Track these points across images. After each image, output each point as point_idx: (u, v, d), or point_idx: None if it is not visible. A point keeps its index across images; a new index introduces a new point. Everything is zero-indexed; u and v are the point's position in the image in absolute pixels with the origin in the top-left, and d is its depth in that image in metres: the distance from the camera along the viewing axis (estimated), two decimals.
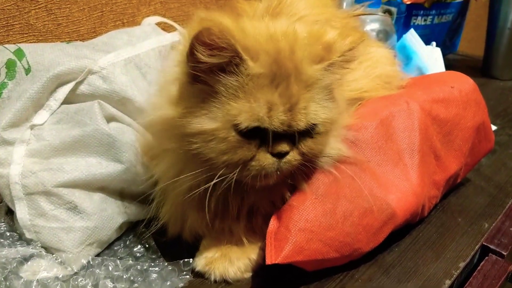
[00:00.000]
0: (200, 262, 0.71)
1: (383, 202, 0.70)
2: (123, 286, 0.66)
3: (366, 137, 0.75)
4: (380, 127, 0.76)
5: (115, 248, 0.75)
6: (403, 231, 0.79)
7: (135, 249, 0.74)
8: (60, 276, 0.66)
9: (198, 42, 0.56)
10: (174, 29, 0.98)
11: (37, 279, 0.64)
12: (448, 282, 0.70)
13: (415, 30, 1.40)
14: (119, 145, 0.73)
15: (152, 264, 0.70)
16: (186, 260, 0.69)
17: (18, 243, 0.70)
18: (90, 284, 0.65)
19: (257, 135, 0.60)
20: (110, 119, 0.75)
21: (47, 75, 0.72)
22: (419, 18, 1.46)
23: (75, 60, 0.75)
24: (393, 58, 0.97)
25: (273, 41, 0.61)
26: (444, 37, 1.58)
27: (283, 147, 0.61)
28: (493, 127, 1.16)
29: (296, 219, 0.66)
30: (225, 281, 0.69)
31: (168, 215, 0.71)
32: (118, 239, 0.77)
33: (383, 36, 1.26)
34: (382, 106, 0.80)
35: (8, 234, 0.71)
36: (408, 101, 0.80)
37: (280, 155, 0.61)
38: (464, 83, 0.86)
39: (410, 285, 0.70)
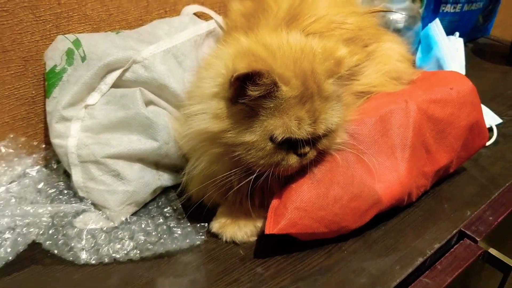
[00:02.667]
0: (215, 225, 0.86)
1: (371, 189, 0.82)
2: (152, 239, 0.81)
3: (364, 132, 0.86)
4: (379, 123, 0.87)
5: (150, 207, 0.91)
6: (392, 212, 0.90)
7: (165, 210, 0.90)
8: (105, 228, 0.82)
9: (249, 81, 0.69)
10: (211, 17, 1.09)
11: (87, 229, 0.81)
12: (420, 259, 0.82)
13: (444, 17, 1.45)
14: (155, 126, 0.87)
15: (177, 224, 0.85)
16: (202, 224, 0.84)
17: (73, 200, 0.87)
18: (127, 237, 0.81)
19: (286, 142, 0.74)
20: (148, 103, 0.89)
21: (99, 63, 0.86)
22: (449, 5, 1.49)
23: (122, 51, 0.88)
24: (406, 53, 1.05)
25: (297, 64, 0.73)
26: (474, 24, 1.61)
27: (306, 149, 0.75)
28: (500, 120, 1.22)
29: (293, 199, 0.79)
30: (234, 242, 0.84)
31: (193, 187, 0.86)
32: (152, 200, 0.92)
33: (409, 24, 1.32)
34: (384, 103, 0.90)
35: (65, 191, 0.89)
36: (408, 100, 0.89)
37: (302, 155, 0.76)
38: (463, 85, 0.94)
39: (387, 259, 0.82)
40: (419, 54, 1.40)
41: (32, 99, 0.95)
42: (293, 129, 0.72)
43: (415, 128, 0.87)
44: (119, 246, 0.80)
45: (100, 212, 0.86)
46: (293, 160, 0.75)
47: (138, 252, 0.79)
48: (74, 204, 0.84)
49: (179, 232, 0.83)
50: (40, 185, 0.90)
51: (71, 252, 0.79)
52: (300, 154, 0.76)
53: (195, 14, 1.09)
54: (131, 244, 0.80)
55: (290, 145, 0.74)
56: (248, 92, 0.70)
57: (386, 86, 0.97)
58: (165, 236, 0.82)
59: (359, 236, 0.87)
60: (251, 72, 0.67)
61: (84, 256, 0.78)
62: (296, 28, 0.87)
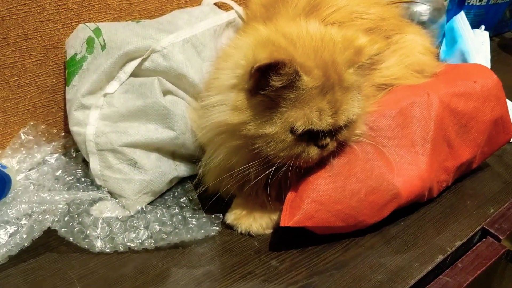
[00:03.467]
0: (230, 217, 0.85)
1: (390, 183, 0.80)
2: (167, 229, 0.81)
3: (384, 124, 0.84)
4: (399, 116, 0.84)
5: (166, 197, 0.90)
6: (411, 208, 0.88)
7: (181, 200, 0.89)
8: (120, 217, 0.82)
9: (272, 72, 0.67)
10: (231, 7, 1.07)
11: (103, 217, 0.81)
12: (441, 257, 0.79)
13: (469, 10, 1.41)
14: (172, 116, 0.86)
15: (192, 214, 0.84)
16: (217, 215, 0.83)
17: (90, 188, 0.87)
18: (142, 226, 0.81)
19: (306, 134, 0.72)
20: (166, 92, 0.88)
21: (118, 52, 0.85)
22: None
23: (142, 40, 0.87)
24: (430, 46, 1.02)
25: (318, 53, 0.72)
26: (500, 18, 1.56)
27: (326, 141, 0.74)
28: None
29: (310, 191, 0.77)
30: (249, 234, 0.83)
31: (209, 179, 0.85)
32: (168, 190, 0.92)
33: (433, 16, 1.28)
34: (405, 95, 0.87)
35: (83, 179, 0.89)
36: (430, 92, 0.86)
37: (323, 147, 0.74)
38: (488, 78, 0.91)
39: (406, 256, 0.80)
40: (443, 47, 1.36)
41: (52, 87, 0.95)
42: (314, 121, 0.70)
43: (436, 121, 0.84)
44: (134, 235, 0.79)
45: (117, 200, 0.85)
46: (313, 151, 0.74)
47: (153, 241, 0.79)
48: (91, 192, 0.84)
49: (194, 222, 0.82)
50: (58, 173, 0.90)
51: (86, 240, 0.78)
52: (321, 146, 0.74)
53: (215, 4, 1.07)
54: (146, 233, 0.80)
55: (310, 136, 0.73)
56: (270, 83, 0.68)
57: (408, 78, 0.94)
58: (180, 226, 0.82)
59: (377, 231, 0.85)
60: (273, 63, 0.65)
61: (99, 244, 0.78)
62: (316, 18, 0.85)
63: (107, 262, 0.77)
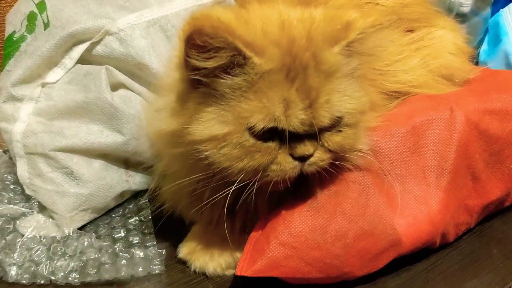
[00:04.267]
0: (183, 250, 0.67)
1: (389, 226, 0.60)
2: (102, 260, 0.64)
3: (390, 146, 0.64)
4: (409, 136, 0.65)
5: (113, 215, 0.74)
6: (420, 254, 0.68)
7: (130, 220, 0.73)
8: (44, 239, 0.66)
9: (189, 46, 0.50)
10: None
11: (23, 239, 0.65)
12: None
13: None
14: (121, 116, 0.69)
15: (139, 241, 0.68)
16: (160, 251, 0.66)
17: (17, 198, 0.71)
18: (68, 254, 0.64)
19: (276, 135, 0.53)
20: (118, 86, 0.71)
21: (62, 33, 0.69)
22: None
23: (93, 19, 0.70)
24: (463, 45, 0.81)
25: (285, 29, 0.54)
26: None
27: (306, 149, 0.54)
28: None
29: (280, 230, 0.58)
30: (204, 274, 0.65)
31: (165, 196, 0.68)
32: (119, 205, 0.76)
33: (477, 7, 1.06)
34: (420, 109, 0.67)
35: (12, 186, 0.73)
36: (454, 107, 0.66)
37: (303, 159, 0.54)
38: None
39: None
40: (484, 46, 1.13)
41: None
42: (277, 115, 0.51)
43: (459, 146, 0.64)
44: (58, 264, 0.63)
45: (46, 217, 0.69)
46: (287, 164, 0.54)
47: (78, 276, 0.62)
48: (12, 206, 0.68)
49: (138, 253, 0.65)
50: None
51: None
52: (299, 157, 0.54)
53: None
54: (72, 264, 0.63)
55: (282, 142, 0.53)
56: (193, 62, 0.51)
57: (432, 86, 0.74)
58: (118, 257, 0.65)
59: (370, 283, 0.65)
60: (192, 32, 0.48)
61: (13, 272, 0.62)
62: (316, 5, 0.66)
63: None
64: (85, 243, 0.65)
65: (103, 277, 0.62)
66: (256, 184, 0.54)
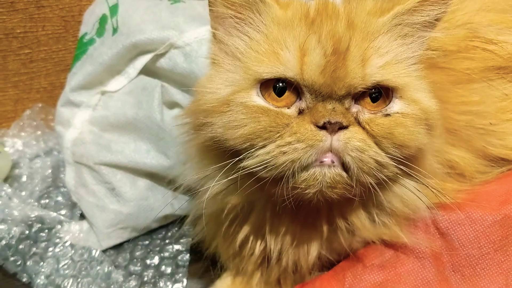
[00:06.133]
0: None
1: None
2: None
3: (469, 234, 0.50)
4: (497, 228, 0.49)
5: (154, 236, 0.69)
6: None
7: (168, 247, 0.67)
8: (75, 254, 0.63)
9: None
10: None
11: (53, 249, 0.63)
12: None
13: None
14: (168, 138, 0.63)
15: (169, 275, 0.63)
16: None
17: (63, 204, 0.70)
18: (95, 272, 0.61)
19: (294, 98, 0.42)
20: (173, 105, 0.64)
21: (125, 41, 0.64)
22: None
23: (159, 30, 0.64)
24: None
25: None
26: None
27: (332, 113, 0.39)
28: None
29: None
30: None
31: (201, 233, 0.61)
32: (163, 226, 0.70)
33: None
34: None
35: (62, 190, 0.72)
36: None
37: (331, 127, 0.39)
38: None
39: None
40: None
41: None
42: (288, 59, 0.40)
43: None
44: (83, 281, 0.60)
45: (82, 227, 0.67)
46: (306, 130, 0.39)
47: None
48: (52, 213, 0.66)
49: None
50: (48, 172, 0.74)
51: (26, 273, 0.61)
52: (324, 124, 0.39)
53: None
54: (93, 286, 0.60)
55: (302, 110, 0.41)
56: (220, 8, 0.44)
57: None
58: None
59: None
60: None
61: (41, 282, 0.60)
62: None
63: None
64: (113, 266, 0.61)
65: None
66: (273, 171, 0.40)
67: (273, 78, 0.41)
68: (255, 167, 0.41)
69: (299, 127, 0.40)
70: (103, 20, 0.68)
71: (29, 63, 0.76)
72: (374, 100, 0.42)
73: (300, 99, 0.41)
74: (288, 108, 0.41)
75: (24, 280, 0.61)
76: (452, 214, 0.50)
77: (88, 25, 0.70)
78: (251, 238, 0.52)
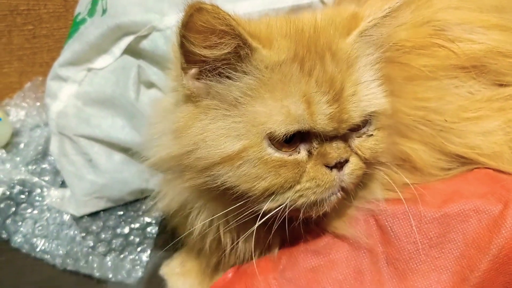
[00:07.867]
0: (163, 268, 0.63)
1: None
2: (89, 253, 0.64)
3: (404, 230, 0.50)
4: (436, 225, 0.50)
5: (129, 208, 0.72)
6: None
7: (141, 218, 0.70)
8: (53, 216, 0.67)
9: (188, 30, 0.41)
10: None
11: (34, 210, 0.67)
12: None
13: None
14: (140, 117, 0.65)
15: (135, 245, 0.66)
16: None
17: (49, 171, 0.74)
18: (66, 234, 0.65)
19: (300, 142, 0.44)
20: (149, 85, 0.67)
21: (110, 23, 0.66)
22: None
23: (143, 12, 0.66)
24: None
25: (291, 22, 0.46)
26: None
27: (342, 152, 0.44)
28: None
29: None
30: None
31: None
32: (136, 200, 0.73)
33: None
34: (467, 192, 0.51)
35: (49, 158, 0.76)
36: (509, 203, 0.48)
37: (340, 166, 0.44)
38: None
39: None
40: None
41: None
42: (299, 114, 0.41)
43: (498, 256, 0.46)
44: (53, 244, 0.64)
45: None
46: (323, 175, 0.43)
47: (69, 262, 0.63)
48: (36, 179, 0.70)
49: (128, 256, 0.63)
50: (43, 141, 0.78)
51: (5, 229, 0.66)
52: (337, 164, 0.43)
53: None
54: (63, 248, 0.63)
55: (310, 152, 0.44)
56: (191, 49, 0.42)
57: (508, 161, 0.54)
58: (109, 253, 0.64)
59: None
60: (192, 13, 0.40)
61: (18, 239, 0.65)
62: None
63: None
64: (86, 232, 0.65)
65: (81, 269, 0.62)
66: (287, 210, 0.44)
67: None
68: (273, 209, 0.44)
69: (315, 172, 0.43)
70: (95, 1, 0.70)
71: (32, 38, 0.80)
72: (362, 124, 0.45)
73: (305, 140, 0.44)
74: (298, 153, 0.44)
75: (4, 236, 0.66)
76: (393, 207, 0.50)
77: (82, 5, 0.73)
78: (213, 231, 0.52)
